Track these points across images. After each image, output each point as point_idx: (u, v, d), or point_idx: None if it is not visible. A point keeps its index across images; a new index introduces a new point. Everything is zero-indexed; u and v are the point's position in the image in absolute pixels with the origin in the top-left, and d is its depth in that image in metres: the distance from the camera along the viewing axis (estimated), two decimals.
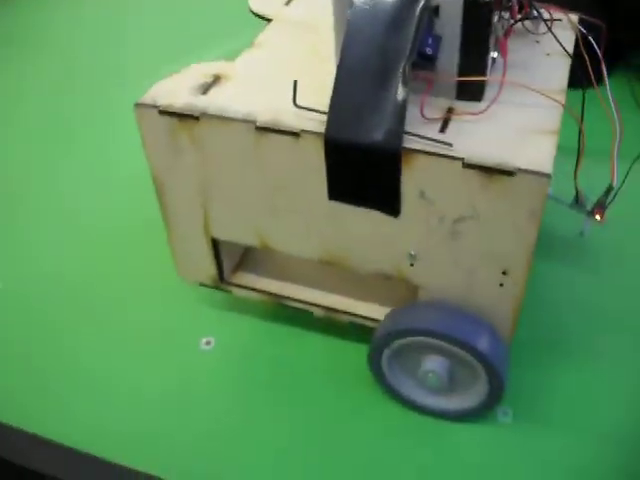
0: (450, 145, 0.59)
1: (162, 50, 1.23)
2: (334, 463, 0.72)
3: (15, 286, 0.93)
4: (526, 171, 0.57)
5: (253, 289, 0.79)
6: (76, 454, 0.73)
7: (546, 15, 0.72)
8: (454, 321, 0.67)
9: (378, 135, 0.59)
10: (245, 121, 0.64)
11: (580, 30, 0.74)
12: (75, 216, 1.04)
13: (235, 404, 0.78)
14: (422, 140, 0.59)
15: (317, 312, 0.77)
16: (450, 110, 0.63)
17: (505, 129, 0.61)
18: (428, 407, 0.74)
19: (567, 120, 0.66)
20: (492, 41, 0.62)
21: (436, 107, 0.63)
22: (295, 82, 0.63)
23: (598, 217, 0.74)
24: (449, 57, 0.62)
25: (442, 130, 0.61)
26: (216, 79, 0.69)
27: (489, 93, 0.64)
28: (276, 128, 0.63)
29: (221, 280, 0.79)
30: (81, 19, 1.57)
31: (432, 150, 0.59)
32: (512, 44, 0.72)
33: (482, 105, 0.63)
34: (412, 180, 0.61)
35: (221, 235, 0.74)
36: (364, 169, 0.62)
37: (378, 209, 0.64)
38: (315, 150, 0.62)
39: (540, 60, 0.70)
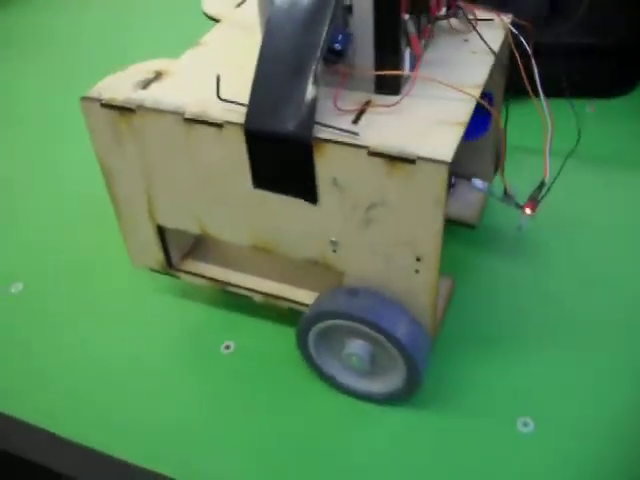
0: (357, 134, 0.62)
1: (162, 52, 1.29)
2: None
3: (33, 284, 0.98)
4: (426, 159, 0.60)
5: (199, 276, 0.83)
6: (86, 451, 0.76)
7: (472, 15, 0.75)
8: (368, 305, 0.70)
9: (291, 125, 0.63)
10: (175, 113, 0.68)
11: (511, 30, 0.77)
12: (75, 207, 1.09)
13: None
14: (332, 130, 0.63)
15: (257, 298, 0.81)
16: (367, 103, 0.67)
17: (414, 121, 0.64)
18: (353, 389, 0.77)
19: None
20: (406, 38, 0.66)
21: (354, 100, 0.67)
22: (218, 76, 0.67)
23: (528, 210, 0.77)
24: (365, 53, 0.66)
25: (355, 121, 0.65)
26: (157, 75, 0.74)
27: (417, 89, 0.67)
28: (202, 119, 0.67)
29: (169, 266, 0.84)
30: (83, 21, 1.64)
31: (340, 139, 0.62)
32: (440, 42, 0.76)
33: (397, 98, 0.66)
34: (325, 168, 0.64)
35: (165, 222, 0.79)
36: (281, 158, 0.65)
37: (298, 197, 0.68)
38: (238, 141, 0.66)
39: (465, 58, 0.73)
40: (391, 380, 0.74)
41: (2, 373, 0.85)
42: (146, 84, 0.73)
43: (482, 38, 0.73)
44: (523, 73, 0.74)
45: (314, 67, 0.62)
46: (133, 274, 0.93)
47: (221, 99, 0.67)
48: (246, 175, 0.69)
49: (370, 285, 0.71)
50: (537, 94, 0.74)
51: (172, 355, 0.86)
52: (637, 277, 0.89)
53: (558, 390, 0.78)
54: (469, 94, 0.66)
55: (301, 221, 0.70)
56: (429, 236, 0.65)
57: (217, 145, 0.68)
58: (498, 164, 0.97)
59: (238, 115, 0.66)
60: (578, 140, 0.80)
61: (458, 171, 0.94)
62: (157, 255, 0.83)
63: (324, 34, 0.62)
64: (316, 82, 0.62)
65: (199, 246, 0.87)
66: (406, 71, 0.68)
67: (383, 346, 0.71)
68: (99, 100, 0.71)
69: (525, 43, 0.76)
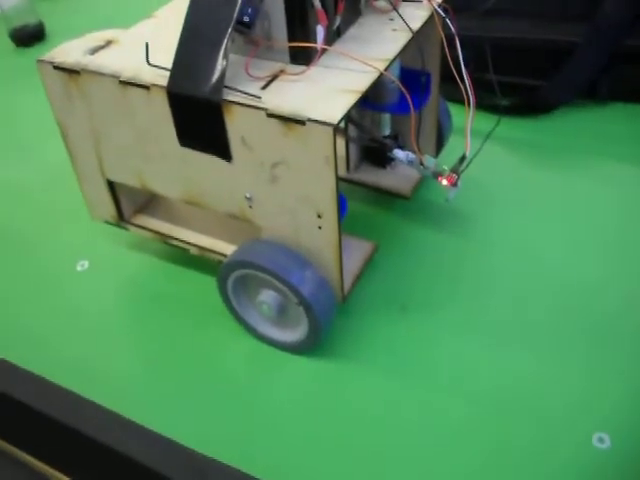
0: (259, 98, 0.69)
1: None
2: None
3: None
4: (315, 121, 0.67)
5: (146, 229, 0.92)
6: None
7: None
8: (272, 256, 0.76)
9: (205, 89, 0.70)
10: (112, 76, 0.76)
11: (436, 10, 0.83)
12: None
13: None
14: (239, 94, 0.70)
15: (193, 251, 0.89)
16: (281, 72, 0.74)
17: (317, 88, 0.71)
18: (265, 336, 0.84)
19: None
20: (314, 13, 0.72)
21: (270, 69, 0.74)
22: (147, 44, 0.75)
23: (444, 181, 0.82)
24: (279, 26, 0.73)
25: (264, 88, 0.72)
26: (107, 43, 0.82)
27: (331, 61, 0.74)
28: (133, 82, 0.75)
29: (121, 219, 0.92)
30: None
31: (245, 102, 0.70)
32: (366, 21, 0.82)
33: (305, 68, 0.73)
34: (234, 128, 0.72)
35: (113, 177, 0.87)
36: (198, 119, 0.73)
37: (215, 155, 0.75)
38: (164, 102, 0.74)
39: (384, 35, 0.79)
40: (298, 331, 0.81)
41: None
42: (95, 50, 0.81)
43: (400, 15, 0.79)
44: (448, 55, 0.80)
45: (226, 38, 0.70)
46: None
47: (150, 64, 0.75)
48: (173, 134, 0.76)
49: (283, 241, 0.78)
50: (461, 76, 0.80)
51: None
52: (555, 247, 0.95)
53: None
54: (373, 67, 0.72)
55: (220, 177, 0.77)
56: (325, 193, 0.71)
57: (147, 106, 0.76)
58: (441, 141, 1.03)
59: (164, 79, 0.74)
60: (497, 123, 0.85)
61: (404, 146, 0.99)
62: (110, 208, 0.91)
63: (237, 8, 0.70)
64: (226, 51, 0.69)
65: (151, 204, 0.96)
66: (318, 44, 0.74)
67: (288, 298, 0.77)
68: (51, 62, 0.80)
69: (450, 24, 0.81)
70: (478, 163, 0.82)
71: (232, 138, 0.73)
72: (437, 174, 0.82)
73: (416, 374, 0.81)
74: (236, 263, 0.78)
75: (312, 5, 0.72)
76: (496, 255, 0.94)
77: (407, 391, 0.79)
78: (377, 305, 0.89)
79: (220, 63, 0.70)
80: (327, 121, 0.66)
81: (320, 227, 0.75)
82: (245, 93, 0.70)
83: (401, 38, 0.78)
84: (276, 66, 0.74)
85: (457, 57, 0.80)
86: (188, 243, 0.89)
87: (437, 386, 0.80)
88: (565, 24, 1.17)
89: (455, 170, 0.82)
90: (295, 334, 0.82)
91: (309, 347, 0.81)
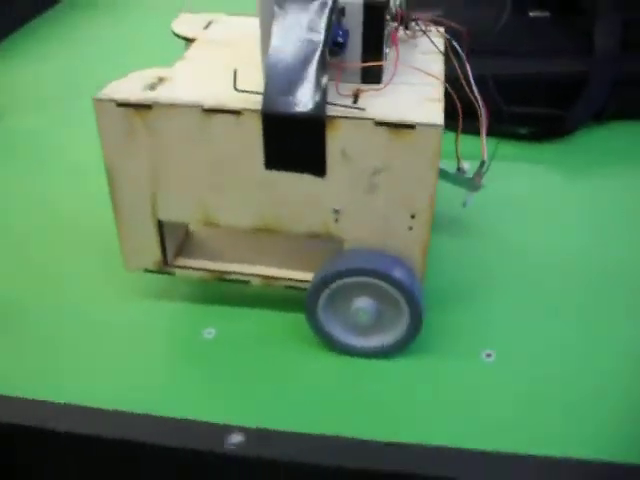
0: (363, 109, 0.75)
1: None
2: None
3: None
4: (423, 124, 0.73)
5: (195, 269, 0.90)
6: None
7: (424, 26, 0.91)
8: (377, 259, 0.81)
9: (306, 106, 0.74)
10: (193, 106, 0.76)
11: (446, 37, 0.94)
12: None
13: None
14: (341, 108, 0.75)
15: (256, 282, 0.89)
16: (358, 90, 0.79)
17: (402, 99, 0.78)
18: (360, 347, 0.87)
19: None
20: (385, 37, 0.80)
21: (347, 88, 0.79)
22: (235, 70, 0.77)
23: (478, 180, 0.93)
24: (354, 48, 0.79)
25: (354, 102, 0.77)
26: (160, 80, 0.82)
27: (385, 78, 0.81)
28: (221, 109, 0.76)
29: (165, 264, 0.89)
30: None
31: (349, 115, 0.74)
32: (392, 49, 0.91)
33: (382, 85, 0.80)
34: (335, 142, 0.76)
35: (167, 216, 0.85)
36: (295, 137, 0.76)
37: (308, 172, 0.78)
38: (253, 125, 0.76)
39: (418, 57, 0.88)
40: (395, 330, 0.85)
41: None
42: (153, 86, 0.80)
43: (432, 42, 0.89)
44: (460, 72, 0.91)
45: (321, 57, 0.74)
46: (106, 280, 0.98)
47: (238, 90, 0.76)
48: (258, 158, 0.78)
49: (369, 247, 0.82)
50: (471, 87, 0.91)
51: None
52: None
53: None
54: (437, 78, 0.81)
55: (306, 195, 0.80)
56: (424, 194, 0.78)
57: (233, 132, 0.77)
58: None
59: (252, 103, 0.76)
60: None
61: None
62: (155, 254, 0.88)
63: (326, 30, 0.75)
64: (325, 69, 0.74)
65: (187, 244, 0.94)
66: (392, 62, 0.81)
67: (389, 297, 0.81)
68: (113, 100, 0.78)
69: (458, 47, 0.93)
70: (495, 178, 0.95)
71: (331, 152, 0.76)
72: (475, 175, 0.92)
73: None
74: (333, 275, 0.81)
75: (387, 31, 0.79)
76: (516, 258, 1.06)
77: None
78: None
79: (320, 80, 0.74)
80: (435, 123, 0.73)
81: (411, 227, 0.80)
82: (348, 106, 0.75)
83: (437, 59, 0.88)
84: (350, 86, 0.80)
85: (466, 73, 0.92)
86: (249, 275, 0.88)
87: None
88: (568, 58, 1.37)
89: (479, 172, 0.93)
90: (390, 336, 0.85)
91: (407, 344, 0.85)
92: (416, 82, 0.81)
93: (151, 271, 0.90)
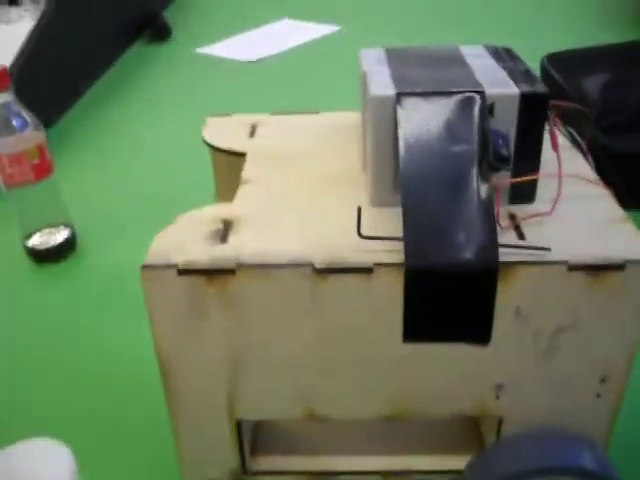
0: (549, 250, 0.52)
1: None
2: None
3: None
4: (634, 261, 0.52)
5: (285, 473, 0.64)
6: None
7: None
8: (573, 449, 0.58)
9: (469, 252, 0.51)
10: (298, 265, 0.52)
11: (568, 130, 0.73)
12: None
13: None
14: (517, 250, 0.52)
15: None
16: (512, 217, 0.57)
17: (579, 224, 0.56)
18: None
19: None
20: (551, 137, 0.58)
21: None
22: (359, 209, 0.53)
23: None
24: None
25: (521, 237, 0.55)
26: (227, 224, 0.57)
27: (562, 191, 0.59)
28: (342, 267, 0.52)
29: (244, 471, 0.63)
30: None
31: (532, 259, 0.52)
32: None
33: (539, 206, 0.58)
34: (507, 297, 0.53)
35: (251, 414, 0.59)
36: (450, 296, 0.53)
37: (465, 341, 0.55)
38: (389, 285, 0.52)
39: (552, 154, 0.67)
40: None
41: None
42: (222, 236, 0.55)
43: (573, 134, 0.69)
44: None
45: (479, 178, 0.52)
46: None
47: (363, 237, 0.52)
48: (392, 328, 0.54)
49: (535, 424, 0.59)
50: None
51: None
52: None
53: None
54: (606, 188, 0.60)
55: (459, 371, 0.57)
56: (622, 351, 0.56)
57: (358, 296, 0.53)
58: None
59: (386, 254, 0.52)
60: None
61: None
62: (230, 460, 0.61)
63: (475, 139, 0.53)
64: (488, 195, 0.52)
65: (261, 434, 0.68)
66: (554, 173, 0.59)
67: None
68: (172, 265, 0.52)
69: (581, 140, 0.72)
70: None
71: (500, 312, 0.53)
72: None
73: None
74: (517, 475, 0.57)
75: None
76: None
77: None
78: None
79: (483, 213, 0.51)
80: None
81: (599, 394, 0.58)
82: (527, 247, 0.52)
83: (575, 156, 0.67)
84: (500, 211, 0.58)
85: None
86: (365, 473, 0.63)
87: None
88: None
89: None
90: None
91: None
92: (577, 194, 0.60)
93: None
